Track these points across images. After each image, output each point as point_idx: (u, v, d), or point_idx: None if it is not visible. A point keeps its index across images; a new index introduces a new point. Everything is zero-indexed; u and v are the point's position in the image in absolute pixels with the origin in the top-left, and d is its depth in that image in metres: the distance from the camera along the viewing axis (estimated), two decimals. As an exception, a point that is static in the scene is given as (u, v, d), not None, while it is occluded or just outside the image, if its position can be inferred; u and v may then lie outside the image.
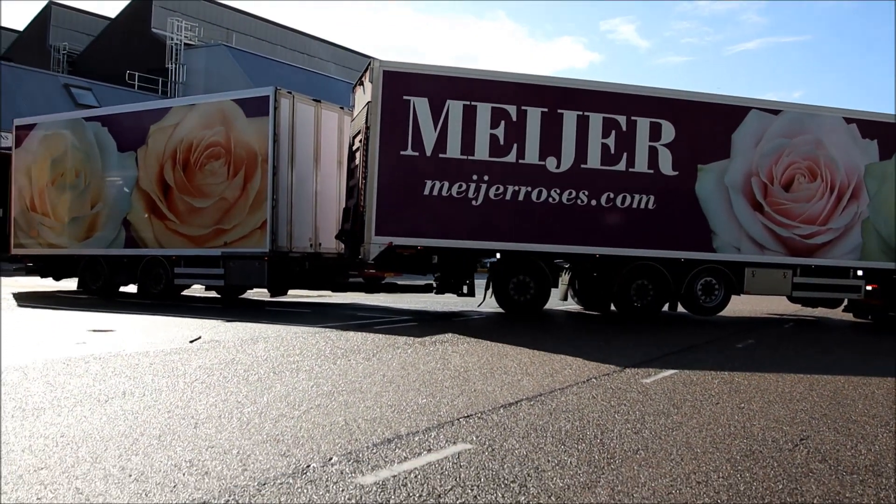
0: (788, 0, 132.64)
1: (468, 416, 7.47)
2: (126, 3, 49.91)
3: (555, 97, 17.98)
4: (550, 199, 17.78)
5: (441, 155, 17.38)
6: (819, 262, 19.34)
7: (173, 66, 44.98)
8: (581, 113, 17.96)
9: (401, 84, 17.34)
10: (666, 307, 19.33)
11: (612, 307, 19.29)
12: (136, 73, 45.02)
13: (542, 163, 17.78)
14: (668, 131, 18.33)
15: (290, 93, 19.75)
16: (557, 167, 17.84)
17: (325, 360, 10.72)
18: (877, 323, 21.08)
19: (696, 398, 8.88)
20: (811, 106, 19.69)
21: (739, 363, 12.14)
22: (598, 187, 18.01)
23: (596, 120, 18.02)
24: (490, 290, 18.44)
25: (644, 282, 18.67)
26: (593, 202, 17.97)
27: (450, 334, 14.09)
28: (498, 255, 18.35)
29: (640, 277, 18.65)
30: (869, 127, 19.53)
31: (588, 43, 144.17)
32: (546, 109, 17.83)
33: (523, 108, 17.72)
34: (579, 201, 17.89)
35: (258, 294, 22.59)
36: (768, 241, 18.90)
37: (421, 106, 17.32)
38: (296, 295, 22.46)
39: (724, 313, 20.21)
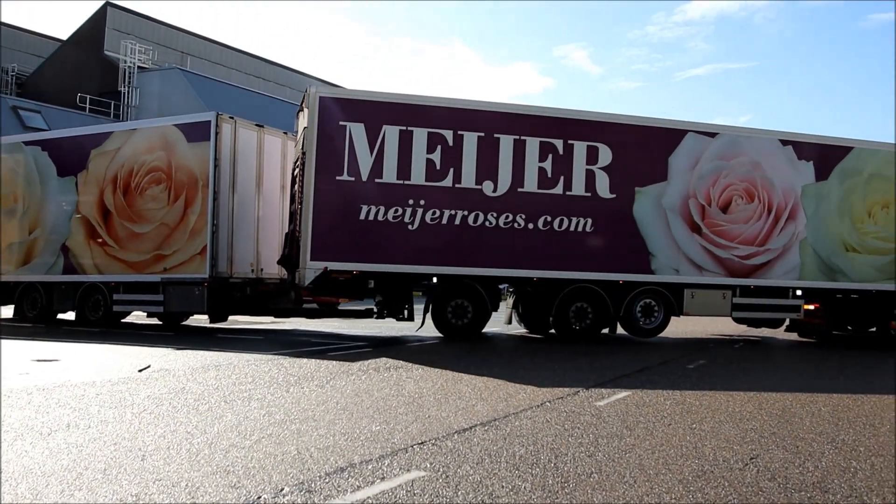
0: (735, 28, 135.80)
1: (422, 443, 7.41)
2: (78, 24, 49.27)
3: (491, 122, 18.02)
4: (487, 223, 17.78)
5: (377, 180, 17.35)
6: (758, 283, 19.48)
7: (126, 89, 44.52)
8: (518, 137, 18.01)
9: (337, 110, 17.32)
10: (607, 329, 19.37)
11: (553, 330, 19.26)
12: (88, 96, 44.66)
13: (479, 187, 17.80)
14: (606, 155, 18.42)
15: (232, 118, 19.63)
16: (494, 191, 17.85)
17: (278, 387, 10.62)
18: (821, 342, 21.29)
19: (648, 420, 8.94)
20: (747, 129, 20.01)
21: (691, 384, 12.23)
22: (535, 211, 18.04)
23: (533, 144, 18.07)
24: (429, 313, 18.38)
25: (583, 304, 18.69)
26: (530, 225, 17.99)
27: (404, 360, 14.02)
28: (434, 279, 18.28)
29: (579, 300, 18.66)
30: (804, 149, 19.77)
31: (542, 69, 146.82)
32: (483, 134, 17.86)
33: (460, 132, 17.74)
34: (516, 224, 17.91)
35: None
36: (707, 263, 19.01)
37: (357, 131, 17.30)
38: (249, 321, 22.29)
39: (675, 334, 20.40)
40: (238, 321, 22.05)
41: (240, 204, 19.63)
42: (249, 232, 19.82)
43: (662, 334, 19.84)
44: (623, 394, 10.82)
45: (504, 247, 17.95)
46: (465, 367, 13.14)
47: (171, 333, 19.33)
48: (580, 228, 18.24)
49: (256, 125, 20.26)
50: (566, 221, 18.17)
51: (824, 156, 19.97)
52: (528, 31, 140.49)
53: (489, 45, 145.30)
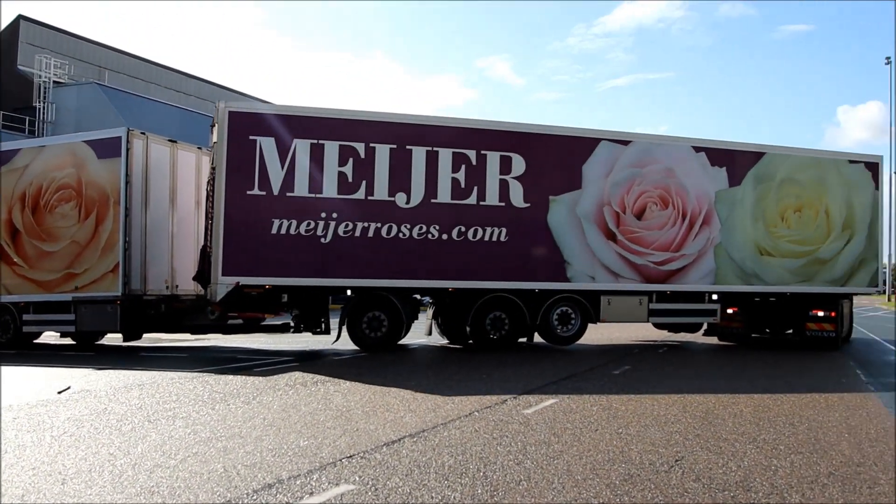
0: (653, 40, 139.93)
1: (350, 457, 7.41)
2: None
3: (403, 134, 17.96)
4: (401, 235, 17.68)
5: (289, 194, 17.16)
6: (674, 288, 19.71)
7: (41, 104, 43.27)
8: (430, 148, 17.98)
9: (247, 125, 17.10)
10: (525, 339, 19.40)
11: (471, 340, 19.18)
12: (1, 112, 43.38)
13: (392, 199, 17.70)
14: (519, 164, 18.47)
15: (143, 133, 19.26)
16: (407, 202, 17.78)
17: (203, 405, 10.48)
18: (740, 345, 21.57)
19: (575, 426, 9.09)
20: (660, 136, 20.21)
21: (617, 389, 12.48)
22: (449, 221, 18.01)
23: (446, 155, 18.04)
24: (344, 326, 18.18)
25: (500, 313, 18.68)
26: (444, 236, 17.95)
27: (331, 374, 13.92)
28: (349, 292, 18.08)
29: (495, 309, 18.66)
30: (717, 155, 20.07)
31: (464, 80, 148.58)
32: (395, 146, 17.78)
33: (372, 145, 17.63)
34: (430, 236, 17.84)
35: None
36: (623, 269, 19.15)
37: (268, 146, 17.09)
38: (173, 339, 21.85)
39: (601, 341, 20.58)
40: (162, 339, 21.60)
41: (153, 220, 19.23)
42: (163, 248, 19.43)
43: (588, 341, 20.08)
44: (550, 401, 10.98)
45: (419, 258, 17.88)
46: (394, 379, 13.16)
47: (92, 353, 18.95)
48: (495, 238, 18.24)
49: (169, 140, 19.89)
50: (480, 231, 18.16)
51: (737, 161, 20.33)
52: (450, 43, 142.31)
53: (411, 57, 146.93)
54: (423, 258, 17.90)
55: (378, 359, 16.89)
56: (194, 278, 18.52)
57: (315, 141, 17.35)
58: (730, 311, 21.75)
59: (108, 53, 43.48)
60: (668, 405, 10.81)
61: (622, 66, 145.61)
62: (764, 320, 22.10)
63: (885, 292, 54.40)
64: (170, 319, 19.66)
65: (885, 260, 62.34)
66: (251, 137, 17.04)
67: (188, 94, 47.18)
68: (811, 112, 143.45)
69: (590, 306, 19.23)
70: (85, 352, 19.45)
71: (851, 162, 21.56)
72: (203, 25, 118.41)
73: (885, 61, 59.21)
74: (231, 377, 13.50)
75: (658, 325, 22.62)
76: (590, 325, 19.61)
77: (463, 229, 18.07)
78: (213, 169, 17.06)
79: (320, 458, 7.37)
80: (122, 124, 32.65)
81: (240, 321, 18.83)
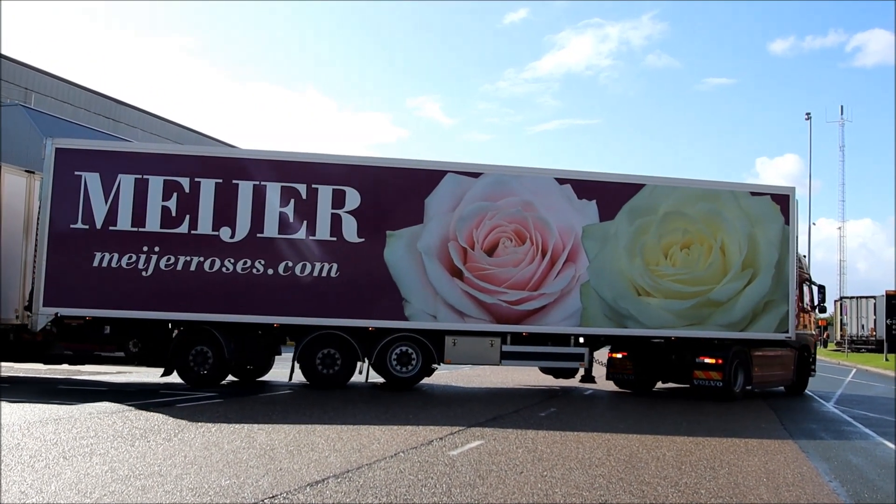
0: (582, 86, 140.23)
1: (273, 497, 7.45)
2: None
3: (230, 168, 18.01)
4: (224, 269, 17.65)
5: (111, 227, 17.50)
6: (531, 329, 18.64)
7: (-38, 126, 42.14)
8: (258, 183, 17.91)
9: (73, 160, 17.59)
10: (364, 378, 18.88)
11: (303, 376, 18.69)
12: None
13: (216, 233, 17.71)
14: (354, 198, 18.08)
15: (-4, 164, 19.54)
16: (232, 237, 17.74)
17: (122, 441, 10.31)
18: (636, 391, 20.22)
19: (501, 468, 9.18)
20: (517, 167, 19.16)
21: (543, 432, 12.55)
22: (275, 256, 17.81)
23: (274, 189, 17.91)
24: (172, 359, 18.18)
25: (331, 350, 18.25)
26: (270, 271, 17.76)
27: (257, 411, 14.00)
28: (170, 325, 18.19)
29: (327, 346, 18.23)
30: (585, 187, 18.88)
31: (395, 118, 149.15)
32: (221, 180, 17.82)
33: (197, 179, 17.75)
34: (255, 270, 17.71)
35: (53, 371, 22.00)
36: (470, 309, 18.29)
37: (92, 181, 17.52)
38: (93, 371, 22.25)
39: (529, 383, 20.59)
40: (82, 371, 22.08)
41: (6, 249, 19.56)
42: (15, 277, 19.91)
43: (509, 384, 20.00)
44: (476, 443, 11.07)
45: (243, 293, 17.77)
46: (319, 418, 13.19)
47: (7, 385, 18.85)
48: (324, 273, 17.89)
49: (26, 171, 20.30)
50: (309, 266, 17.87)
51: (610, 194, 19.00)
52: (380, 81, 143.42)
53: (342, 94, 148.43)
54: (247, 293, 17.76)
55: (305, 397, 16.89)
56: (25, 308, 19.01)
57: (140, 176, 17.63)
58: (619, 355, 20.39)
59: (34, 75, 41.54)
60: (592, 448, 10.95)
61: (551, 111, 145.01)
62: (653, 366, 20.49)
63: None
64: (20, 349, 19.83)
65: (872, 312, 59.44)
66: (77, 173, 17.49)
67: (118, 121, 45.94)
68: (731, 162, 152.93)
69: (432, 347, 18.46)
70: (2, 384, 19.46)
71: (754, 194, 19.55)
72: (133, 53, 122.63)
73: (805, 117, 63.23)
74: (152, 413, 13.35)
75: (544, 370, 21.42)
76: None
77: (290, 264, 17.82)
78: (40, 202, 17.68)
79: (242, 497, 7.34)
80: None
81: (70, 353, 18.95)
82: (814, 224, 69.18)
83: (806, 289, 22.48)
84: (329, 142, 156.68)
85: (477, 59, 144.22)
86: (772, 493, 8.59)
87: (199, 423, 12.06)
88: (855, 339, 61.51)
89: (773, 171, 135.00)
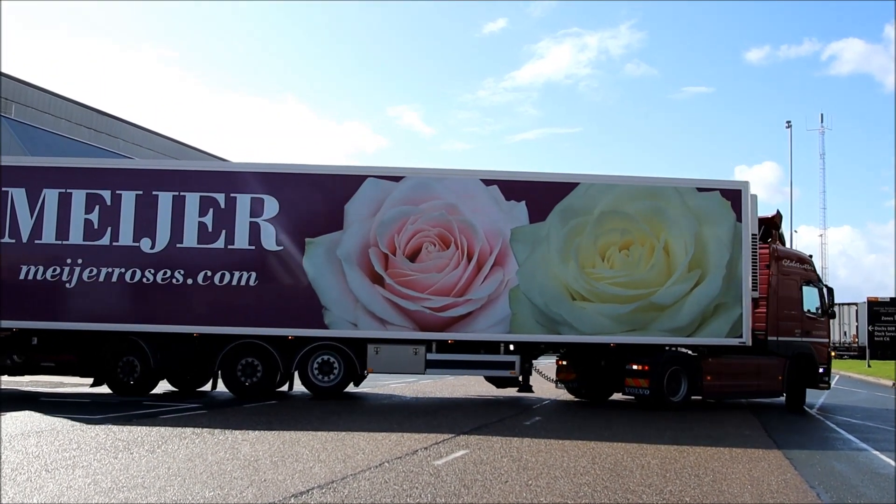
0: (561, 95, 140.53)
1: None
2: None
3: (150, 180, 18.21)
4: (144, 280, 17.83)
5: (37, 241, 17.94)
6: (456, 336, 18.12)
7: (-64, 135, 41.67)
8: (177, 193, 18.04)
9: None
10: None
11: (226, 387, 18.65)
12: None
13: (137, 244, 17.93)
14: (272, 206, 18.02)
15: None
16: (152, 248, 17.92)
17: (106, 453, 10.20)
18: (588, 400, 19.41)
19: (486, 478, 9.25)
20: (440, 170, 18.70)
21: (528, 440, 12.55)
22: (194, 266, 17.90)
23: (193, 199, 18.01)
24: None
25: (252, 360, 18.15)
26: (189, 281, 17.85)
27: (240, 422, 14.10)
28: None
29: (248, 355, 18.14)
30: (513, 187, 18.28)
31: (375, 127, 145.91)
32: (141, 192, 18.03)
33: (118, 192, 18.02)
34: (174, 280, 17.82)
35: (35, 382, 22.16)
36: (391, 316, 17.91)
37: (18, 196, 18.01)
38: (78, 383, 22.73)
39: (512, 393, 20.19)
40: (64, 382, 22.47)
41: None
42: None
43: (484, 392, 19.98)
44: (461, 452, 11.10)
45: (163, 303, 17.93)
46: (304, 429, 13.26)
47: None
48: (243, 282, 17.86)
49: None
50: (227, 276, 17.87)
51: (540, 194, 18.32)
52: (359, 89, 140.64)
53: (322, 103, 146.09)
54: (166, 303, 17.90)
55: (289, 407, 16.95)
56: None
57: (63, 190, 18.02)
58: (564, 363, 19.58)
59: (14, 85, 40.94)
60: (577, 456, 10.98)
61: (531, 120, 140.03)
62: (594, 374, 19.53)
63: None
64: None
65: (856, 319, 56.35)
66: (3, 189, 18.02)
67: (99, 132, 45.69)
68: (710, 170, 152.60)
69: (354, 356, 18.14)
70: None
71: (701, 190, 18.42)
72: (113, 62, 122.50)
73: (786, 125, 61.34)
74: (135, 425, 13.21)
75: (488, 380, 20.61)
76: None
77: (209, 273, 17.86)
78: None
79: (226, 509, 7.36)
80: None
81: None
82: (795, 232, 67.95)
83: (809, 292, 20.85)
84: (309, 151, 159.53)
85: (456, 69, 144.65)
86: (756, 499, 8.67)
87: (183, 435, 12.01)
88: (837, 345, 59.25)
89: (753, 179, 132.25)
